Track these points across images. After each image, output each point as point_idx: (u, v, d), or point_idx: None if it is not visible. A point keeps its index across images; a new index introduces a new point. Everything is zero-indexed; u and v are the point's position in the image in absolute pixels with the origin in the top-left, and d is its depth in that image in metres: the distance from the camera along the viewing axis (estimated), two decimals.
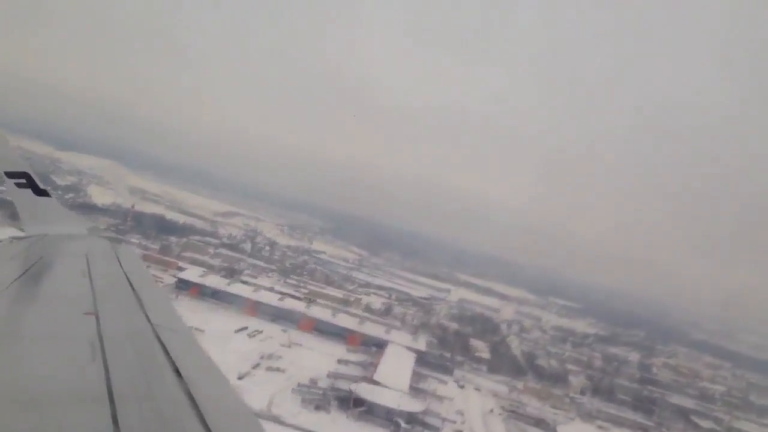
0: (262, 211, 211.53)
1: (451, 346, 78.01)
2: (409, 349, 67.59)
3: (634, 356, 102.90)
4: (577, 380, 78.34)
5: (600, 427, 62.23)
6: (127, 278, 7.20)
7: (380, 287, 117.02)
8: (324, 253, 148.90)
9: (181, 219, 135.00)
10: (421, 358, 67.22)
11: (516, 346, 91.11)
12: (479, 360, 76.78)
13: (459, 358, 74.88)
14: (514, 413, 60.02)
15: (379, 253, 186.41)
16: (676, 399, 79.49)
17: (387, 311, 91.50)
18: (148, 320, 5.34)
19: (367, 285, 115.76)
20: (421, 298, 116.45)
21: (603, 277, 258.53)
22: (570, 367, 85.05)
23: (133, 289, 6.64)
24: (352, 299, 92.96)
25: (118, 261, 8.48)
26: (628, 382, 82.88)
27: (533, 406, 63.70)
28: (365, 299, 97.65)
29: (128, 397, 3.44)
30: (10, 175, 9.78)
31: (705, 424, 71.17)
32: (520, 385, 69.66)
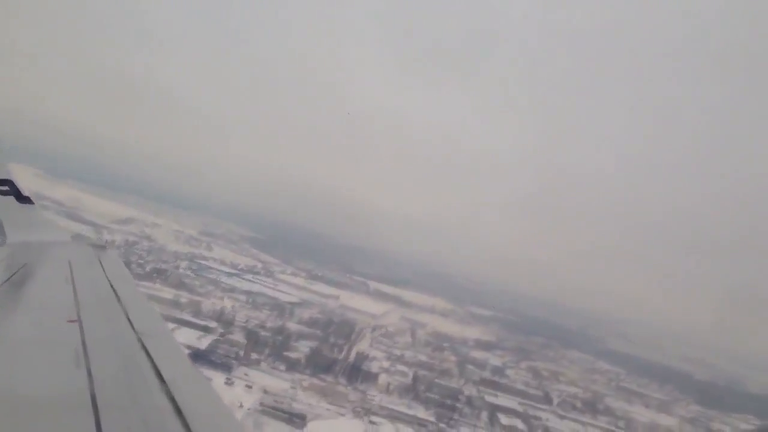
0: (184, 221, 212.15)
1: (256, 345, 79.17)
2: (188, 347, 68.69)
3: (498, 360, 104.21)
4: (393, 380, 79.51)
5: (371, 422, 63.50)
6: (111, 285, 7.45)
7: (247, 292, 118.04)
8: (212, 259, 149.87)
9: (61, 223, 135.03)
10: (200, 356, 68.47)
11: (357, 350, 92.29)
12: (285, 359, 77.86)
13: (257, 356, 75.98)
14: (272, 408, 61.04)
15: (293, 263, 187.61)
16: (501, 400, 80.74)
17: (219, 314, 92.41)
18: (132, 327, 5.47)
19: (232, 290, 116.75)
20: (289, 303, 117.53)
21: (555, 294, 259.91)
22: (402, 368, 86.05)
23: (117, 295, 6.84)
24: (185, 301, 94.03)
25: (102, 267, 8.76)
26: (457, 384, 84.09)
27: (306, 402, 64.83)
28: (207, 302, 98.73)
29: (112, 404, 3.52)
30: None
31: (509, 421, 72.46)
32: (307, 383, 70.72)
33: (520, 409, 78.39)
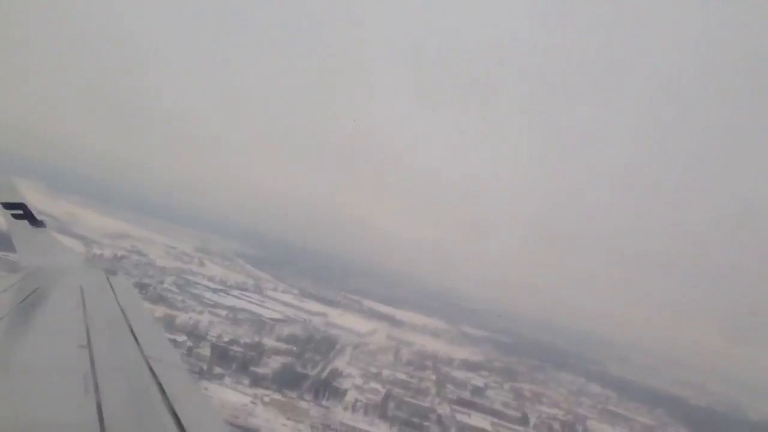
0: (182, 238, 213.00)
1: (223, 360, 79.27)
2: None
3: (481, 381, 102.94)
4: (363, 398, 78.93)
5: None
6: (122, 310, 7.68)
7: (230, 308, 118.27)
8: (201, 275, 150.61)
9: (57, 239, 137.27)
10: None
11: (332, 368, 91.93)
12: (251, 374, 77.72)
13: (221, 371, 76.00)
14: (225, 422, 60.75)
15: (287, 280, 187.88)
16: (473, 419, 79.78)
17: (192, 329, 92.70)
18: (142, 353, 5.58)
19: (214, 306, 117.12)
20: (272, 319, 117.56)
21: (558, 317, 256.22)
22: (375, 386, 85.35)
23: (128, 321, 7.07)
24: (159, 315, 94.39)
25: (113, 293, 9.08)
26: (431, 403, 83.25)
27: (263, 417, 64.61)
28: (183, 317, 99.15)
29: (120, 430, 3.59)
30: (7, 206, 10.55)
31: None
32: (268, 398, 70.48)
33: (491, 429, 77.29)
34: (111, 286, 9.48)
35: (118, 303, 8.10)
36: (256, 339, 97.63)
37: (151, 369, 5.03)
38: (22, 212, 10.61)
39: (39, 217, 10.99)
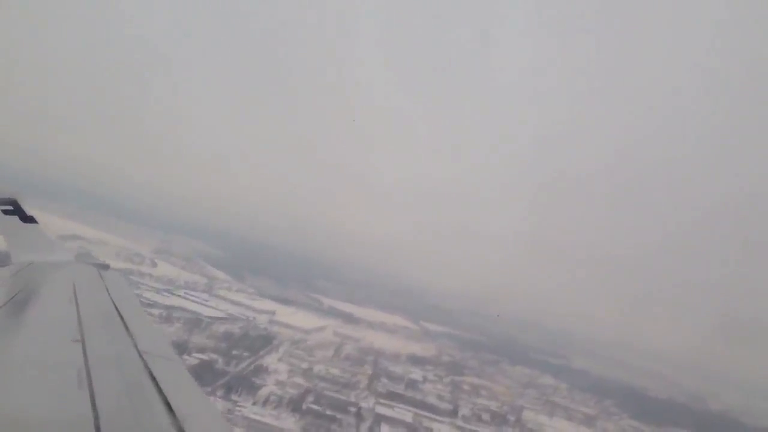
0: (142, 240, 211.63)
1: None
2: None
3: (420, 375, 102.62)
4: (283, 392, 78.37)
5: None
6: (115, 305, 7.73)
7: (168, 307, 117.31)
8: (149, 276, 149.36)
9: None
10: None
11: (259, 364, 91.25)
12: None
13: None
14: None
15: (246, 280, 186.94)
16: (395, 412, 79.52)
17: None
18: (136, 347, 5.61)
19: (151, 305, 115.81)
20: (211, 317, 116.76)
21: (537, 316, 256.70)
22: (299, 381, 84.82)
23: (121, 316, 7.09)
24: None
25: (106, 288, 9.14)
26: (356, 397, 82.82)
27: None
28: None
29: (114, 425, 3.58)
30: None
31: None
32: None
33: (411, 420, 76.85)
34: (103, 281, 9.53)
35: (111, 297, 8.14)
36: (184, 337, 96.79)
37: (144, 363, 5.04)
38: (12, 208, 10.66)
39: (30, 214, 11.06)
